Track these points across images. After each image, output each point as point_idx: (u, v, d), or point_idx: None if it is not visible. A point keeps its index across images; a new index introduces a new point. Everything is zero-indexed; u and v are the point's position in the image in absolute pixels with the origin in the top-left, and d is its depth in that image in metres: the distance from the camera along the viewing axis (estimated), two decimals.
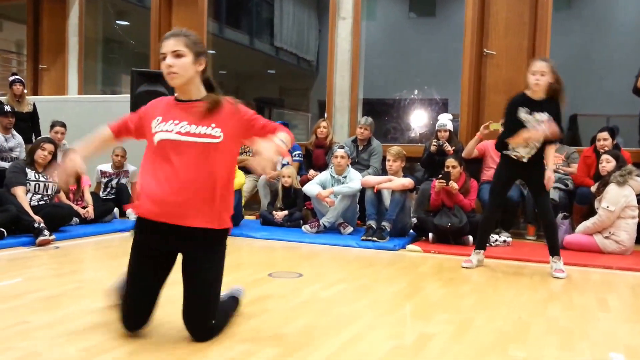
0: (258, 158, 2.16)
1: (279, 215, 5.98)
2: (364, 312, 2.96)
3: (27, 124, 6.60)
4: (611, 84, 8.21)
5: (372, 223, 5.21)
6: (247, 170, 6.60)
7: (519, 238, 5.66)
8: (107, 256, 4.55)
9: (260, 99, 13.20)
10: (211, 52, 8.69)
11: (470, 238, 5.07)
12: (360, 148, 6.35)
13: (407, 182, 5.30)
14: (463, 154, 5.66)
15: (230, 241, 5.37)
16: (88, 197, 5.90)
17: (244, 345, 2.36)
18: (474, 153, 5.75)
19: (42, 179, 5.22)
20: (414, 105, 8.90)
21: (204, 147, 2.30)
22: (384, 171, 5.86)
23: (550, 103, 3.90)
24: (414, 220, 5.43)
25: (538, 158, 3.99)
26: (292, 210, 6.02)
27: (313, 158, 6.59)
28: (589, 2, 9.15)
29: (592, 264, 4.44)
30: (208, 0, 8.22)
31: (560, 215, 5.24)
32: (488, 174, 5.85)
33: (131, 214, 6.33)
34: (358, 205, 5.78)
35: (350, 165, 5.79)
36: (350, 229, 5.61)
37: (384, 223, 5.17)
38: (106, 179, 6.57)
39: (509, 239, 5.22)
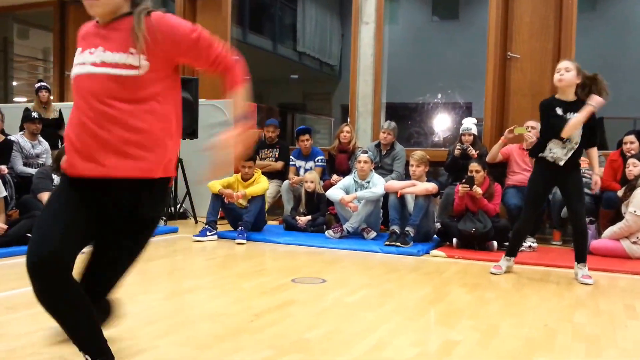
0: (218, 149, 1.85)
1: (302, 220, 5.99)
2: (389, 317, 2.95)
3: (53, 130, 6.72)
4: (638, 87, 8.06)
5: (396, 228, 5.18)
6: (270, 175, 6.65)
7: (545, 243, 5.58)
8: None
9: (283, 104, 13.26)
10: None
11: (495, 243, 5.01)
12: (384, 153, 6.33)
13: (431, 187, 5.26)
14: (487, 158, 5.61)
15: (253, 246, 5.42)
16: None
17: (267, 352, 2.36)
18: (498, 157, 5.70)
19: None
20: (437, 109, 8.86)
21: (115, 78, 1.74)
22: (407, 176, 5.84)
23: (582, 105, 3.82)
24: (438, 225, 5.40)
25: (574, 163, 3.91)
26: (315, 215, 6.02)
27: (336, 163, 6.59)
28: (613, 4, 9.01)
29: (619, 270, 4.35)
30: (232, 7, 8.29)
31: (587, 220, 5.14)
32: (513, 178, 5.78)
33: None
34: (381, 210, 5.76)
35: (373, 170, 5.77)
36: (373, 234, 5.59)
37: (407, 228, 5.14)
38: None
39: (535, 245, 5.15)
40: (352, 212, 5.56)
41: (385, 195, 5.51)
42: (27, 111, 6.38)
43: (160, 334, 2.58)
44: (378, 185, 5.56)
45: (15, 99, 10.87)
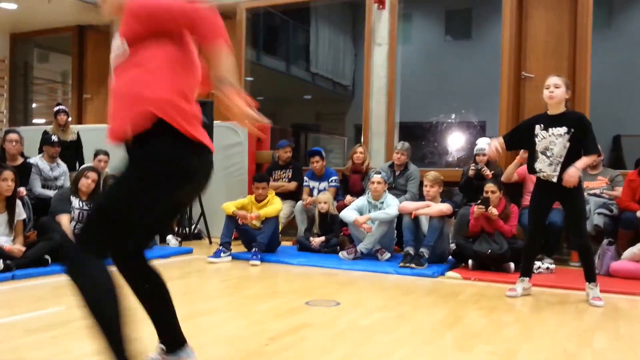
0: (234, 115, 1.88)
1: (316, 241, 5.98)
2: (404, 341, 2.92)
3: (72, 152, 6.79)
4: None
5: (410, 249, 5.15)
6: (284, 196, 6.66)
7: (563, 264, 5.51)
8: None
9: (296, 124, 13.32)
10: (249, 79, 8.85)
11: (512, 265, 4.95)
12: (397, 173, 6.32)
13: (445, 207, 5.24)
14: (502, 179, 5.56)
15: (267, 267, 5.41)
16: None
17: None
18: (513, 177, 5.63)
19: (86, 207, 5.35)
20: (451, 129, 8.84)
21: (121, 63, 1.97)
22: (421, 196, 5.81)
23: (568, 116, 3.88)
24: (453, 246, 5.35)
25: None
26: (329, 236, 6.01)
27: (350, 184, 6.59)
28: (629, 21, 8.98)
29: None
30: (246, 29, 8.40)
31: (605, 241, 5.08)
32: (529, 198, 5.73)
33: (171, 240, 6.44)
34: (395, 231, 5.73)
35: (387, 191, 5.76)
36: (387, 255, 5.56)
37: (422, 249, 5.11)
38: None
39: (552, 266, 5.08)
40: (365, 233, 5.54)
41: (399, 216, 5.49)
42: (45, 134, 6.47)
43: None
44: (392, 206, 5.54)
45: (34, 121, 11.05)
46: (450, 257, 5.36)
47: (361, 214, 5.63)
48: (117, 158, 7.46)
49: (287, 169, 7.05)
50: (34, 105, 11.31)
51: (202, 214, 6.76)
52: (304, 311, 3.53)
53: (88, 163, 6.40)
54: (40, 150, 6.37)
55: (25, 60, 10.88)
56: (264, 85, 10.22)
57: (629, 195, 5.31)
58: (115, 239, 1.96)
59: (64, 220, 5.08)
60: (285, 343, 2.82)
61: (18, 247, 4.64)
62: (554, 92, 3.83)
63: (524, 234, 4.24)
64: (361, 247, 5.55)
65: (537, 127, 3.94)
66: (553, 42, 6.51)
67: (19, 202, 4.91)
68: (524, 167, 5.73)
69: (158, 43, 1.93)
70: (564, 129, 3.84)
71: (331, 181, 6.60)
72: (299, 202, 6.49)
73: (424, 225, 5.34)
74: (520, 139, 4.10)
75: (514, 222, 5.12)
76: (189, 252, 6.06)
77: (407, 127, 8.08)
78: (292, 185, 6.92)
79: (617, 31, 9.02)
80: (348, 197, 6.26)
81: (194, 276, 4.90)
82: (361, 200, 5.77)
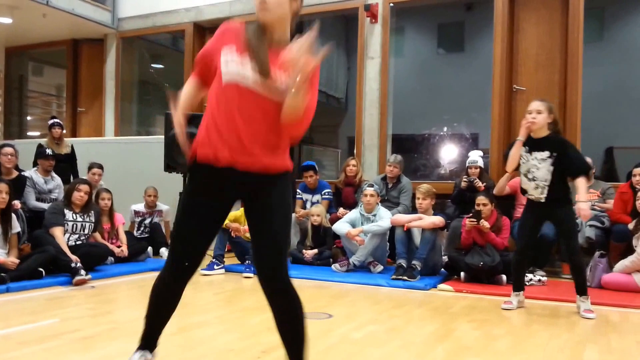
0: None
1: (309, 253, 6.00)
2: (395, 355, 2.94)
3: (66, 165, 6.80)
4: None
5: (403, 262, 5.18)
6: None
7: (555, 277, 5.54)
8: (141, 295, 4.61)
9: None
10: None
11: (504, 277, 4.99)
12: (390, 186, 6.36)
13: (438, 220, 5.27)
14: (494, 191, 5.62)
15: None
16: (122, 236, 6.03)
17: None
18: (505, 190, 5.70)
19: (79, 219, 5.36)
20: (443, 141, 8.90)
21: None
22: (414, 209, 5.85)
23: (551, 140, 3.93)
24: (445, 258, 5.38)
25: (559, 197, 3.95)
26: (321, 248, 6.03)
27: (342, 196, 6.62)
28: (621, 33, 9.07)
29: (632, 305, 4.31)
30: None
31: (597, 253, 5.12)
32: (521, 211, 5.77)
33: (164, 253, 6.44)
34: (388, 244, 5.75)
35: (379, 204, 5.80)
36: (380, 267, 5.59)
37: (414, 262, 5.14)
38: (139, 219, 6.72)
39: (544, 278, 5.12)
40: (358, 245, 5.57)
41: (392, 229, 5.52)
42: (40, 147, 6.48)
43: None
44: (384, 218, 5.57)
45: (28, 133, 11.06)
46: (442, 269, 5.39)
47: (354, 226, 5.65)
48: (109, 172, 7.43)
49: None
50: (28, 118, 11.33)
51: None
52: None
53: (82, 176, 6.41)
54: (35, 164, 6.37)
55: (20, 73, 10.91)
56: None
57: (621, 207, 5.36)
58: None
59: (58, 233, 5.09)
60: (278, 356, 2.82)
61: (12, 260, 4.64)
62: (536, 118, 3.88)
63: (516, 248, 4.27)
64: (354, 259, 5.57)
65: (523, 149, 4.01)
66: (544, 55, 6.60)
67: (13, 215, 4.92)
68: (516, 179, 5.80)
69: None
70: (546, 153, 3.91)
71: (324, 194, 6.63)
72: (292, 215, 6.50)
73: (417, 237, 5.37)
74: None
75: (506, 235, 5.16)
76: None
77: (399, 140, 8.12)
78: None
79: (609, 43, 9.11)
80: (341, 210, 6.29)
81: (187, 288, 4.88)
82: (354, 213, 5.80)
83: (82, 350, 2.89)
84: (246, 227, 5.70)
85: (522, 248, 4.16)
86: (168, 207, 6.92)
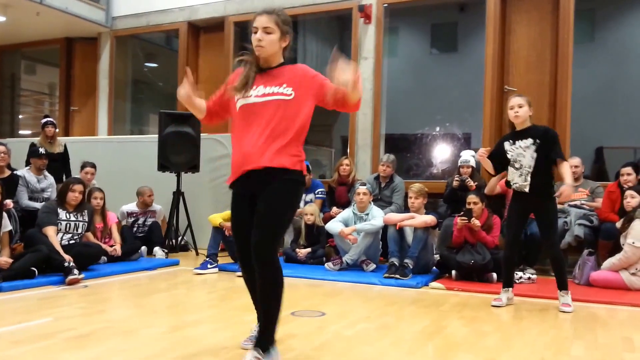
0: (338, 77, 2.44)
1: (302, 252, 6.03)
2: (388, 351, 2.98)
3: (59, 164, 6.80)
4: (638, 115, 8.15)
5: (395, 260, 5.22)
6: None
7: (544, 274, 5.59)
8: (134, 295, 4.64)
9: None
10: None
11: (495, 275, 5.04)
12: (383, 185, 6.40)
13: (430, 219, 5.32)
14: (485, 191, 5.67)
15: None
16: (115, 235, 6.04)
17: None
18: (496, 189, 5.75)
19: (72, 218, 5.37)
20: (436, 141, 8.95)
21: (277, 104, 2.58)
22: (406, 208, 5.89)
23: (533, 129, 4.10)
24: (437, 257, 5.43)
25: (542, 190, 4.07)
26: (314, 247, 6.07)
27: (336, 195, 6.66)
28: (612, 34, 9.15)
29: (619, 302, 4.38)
30: (234, 42, 8.47)
31: (586, 251, 5.19)
32: None
33: (158, 252, 6.46)
34: (381, 243, 5.80)
35: (372, 203, 5.84)
36: (372, 266, 5.63)
37: (406, 260, 5.18)
38: (132, 219, 6.73)
39: (534, 276, 5.17)
40: (351, 244, 5.61)
41: (384, 228, 5.56)
42: (33, 146, 6.48)
43: None
44: (377, 217, 5.61)
45: (20, 132, 11.04)
46: (434, 267, 5.43)
47: (347, 225, 5.69)
48: (103, 171, 7.43)
49: None
50: (20, 116, 11.30)
51: (189, 225, 6.79)
52: (289, 322, 3.57)
53: (75, 175, 6.41)
54: (28, 163, 6.38)
55: (13, 72, 10.89)
56: None
57: (609, 206, 5.43)
58: None
59: (51, 232, 5.10)
60: None
61: (5, 259, 4.66)
62: (519, 111, 4.08)
63: (505, 244, 4.38)
64: (347, 258, 5.61)
65: (506, 144, 4.19)
66: (535, 56, 6.67)
67: (5, 214, 4.92)
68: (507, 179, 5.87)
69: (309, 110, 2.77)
70: (529, 141, 4.06)
71: (317, 193, 6.67)
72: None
73: (409, 236, 5.42)
74: (500, 161, 4.28)
75: (497, 233, 5.22)
76: (176, 263, 6.08)
77: (392, 140, 8.15)
78: None
79: (600, 44, 9.18)
80: (334, 209, 6.33)
81: (180, 288, 4.93)
82: (347, 212, 5.84)
83: (75, 349, 2.91)
84: None
85: (510, 242, 4.26)
86: (161, 207, 6.94)
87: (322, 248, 6.08)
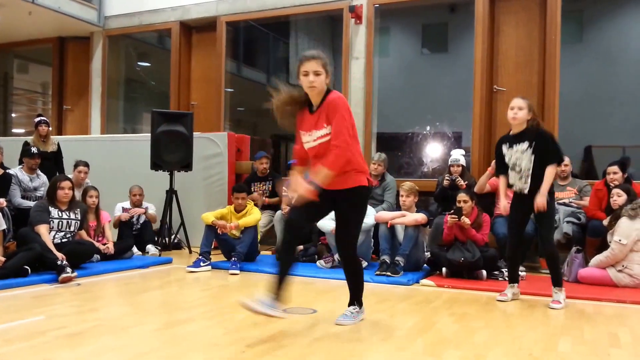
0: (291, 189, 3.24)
1: None
2: (378, 348, 3.02)
3: (52, 163, 6.79)
4: (626, 115, 8.23)
5: (386, 258, 5.27)
6: (263, 206, 6.75)
7: (533, 272, 5.67)
8: (127, 293, 4.66)
9: (277, 135, 13.39)
10: (229, 90, 8.93)
11: (484, 272, 5.10)
12: (374, 183, 6.45)
13: (420, 217, 5.37)
14: (475, 189, 5.72)
15: (247, 276, 5.46)
16: (108, 234, 6.06)
17: None
18: (486, 188, 5.81)
19: (64, 216, 5.39)
20: (427, 140, 9.00)
21: (324, 145, 3.24)
22: (398, 206, 5.94)
23: (528, 132, 4.14)
24: (428, 254, 5.48)
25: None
26: (307, 245, 6.10)
27: None
28: (600, 35, 9.23)
29: (606, 298, 4.45)
30: (226, 41, 8.50)
31: (574, 249, 5.25)
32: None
33: (151, 249, 6.48)
34: (372, 240, 5.84)
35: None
36: (364, 264, 5.65)
37: (397, 258, 5.23)
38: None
39: (523, 273, 5.23)
40: None
41: (376, 226, 5.61)
42: (26, 145, 6.48)
43: None
44: (369, 215, 5.62)
45: (13, 130, 11.02)
46: (425, 265, 5.48)
47: None
48: (96, 170, 7.43)
49: (266, 181, 7.14)
50: (13, 115, 11.27)
51: (182, 224, 6.81)
52: (281, 319, 3.60)
53: (69, 174, 6.41)
54: (21, 161, 6.37)
55: (5, 71, 10.86)
56: (245, 97, 10.31)
57: (596, 204, 5.51)
58: None
59: (43, 231, 5.11)
60: (262, 350, 2.90)
61: None
62: (517, 114, 4.14)
63: (507, 244, 4.45)
64: (338, 256, 5.64)
65: (504, 147, 4.26)
66: (523, 57, 6.74)
67: None
68: (496, 178, 5.92)
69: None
70: (525, 144, 4.13)
71: None
72: (278, 212, 6.57)
73: (400, 234, 5.46)
74: (504, 164, 4.31)
75: (486, 231, 5.28)
76: (169, 261, 6.11)
77: (384, 138, 8.19)
78: (275, 200, 7.01)
79: (587, 45, 9.27)
80: None
81: (173, 286, 4.96)
82: None
83: (68, 347, 2.93)
84: (232, 224, 5.80)
85: (513, 244, 4.37)
86: (153, 206, 6.94)
87: (314, 246, 6.12)
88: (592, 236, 5.36)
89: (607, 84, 8.85)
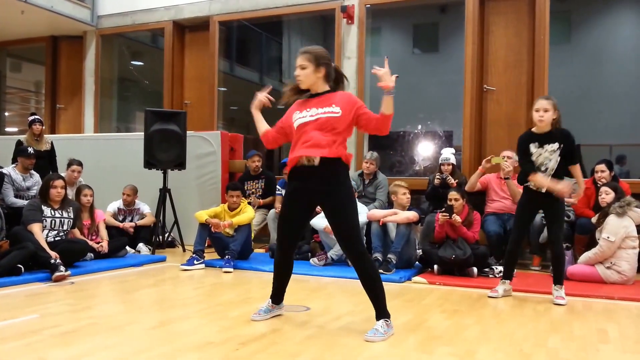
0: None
1: None
2: (370, 345, 3.05)
3: (45, 162, 6.77)
4: (614, 114, 8.33)
5: (378, 255, 5.31)
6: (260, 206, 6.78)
7: (524, 269, 5.73)
8: (121, 291, 4.67)
9: None
10: (222, 89, 8.95)
11: (475, 270, 5.15)
12: (367, 182, 6.49)
13: (412, 215, 5.42)
14: (466, 187, 5.78)
15: (240, 274, 5.49)
16: (103, 232, 6.07)
17: None
18: (476, 186, 5.87)
19: (57, 215, 5.39)
20: (418, 139, 9.06)
21: (327, 118, 3.24)
22: (390, 204, 5.99)
23: (557, 133, 4.15)
24: (419, 252, 5.53)
25: None
26: (300, 243, 6.13)
27: None
28: (588, 36, 9.33)
29: (594, 295, 4.51)
30: (219, 41, 8.51)
31: (563, 246, 5.31)
32: (491, 206, 5.98)
33: (142, 248, 6.49)
34: (365, 238, 5.87)
35: (356, 199, 5.91)
36: None
37: (389, 255, 5.28)
38: (121, 217, 6.75)
39: (514, 271, 5.28)
40: (336, 240, 5.67)
41: (368, 224, 5.65)
42: (20, 144, 6.47)
43: None
44: (361, 213, 5.65)
45: (6, 129, 10.98)
46: (416, 262, 5.54)
47: None
48: (89, 168, 7.43)
49: (259, 180, 7.16)
50: (6, 114, 11.24)
51: (176, 222, 6.83)
52: (274, 317, 3.64)
53: (62, 173, 6.41)
54: (14, 160, 6.36)
55: None
56: (238, 96, 10.32)
57: (585, 202, 5.58)
58: None
59: (36, 229, 5.11)
60: (255, 348, 2.93)
61: None
62: (544, 116, 4.11)
63: (510, 238, 4.47)
64: (331, 253, 5.69)
65: (532, 145, 4.21)
66: (513, 57, 6.82)
67: None
68: (487, 176, 6.00)
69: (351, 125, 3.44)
70: (556, 145, 4.14)
71: None
72: (272, 210, 6.61)
73: (392, 232, 5.51)
74: (529, 161, 4.23)
75: (477, 229, 5.34)
76: (163, 260, 6.12)
77: (376, 137, 8.23)
78: (268, 199, 7.03)
79: (576, 45, 9.36)
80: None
81: (167, 284, 4.98)
82: None
83: (62, 346, 2.93)
84: (226, 222, 5.83)
85: (516, 239, 4.39)
86: (147, 206, 6.93)
87: (307, 244, 6.15)
88: (580, 233, 5.43)
89: (595, 84, 8.94)
